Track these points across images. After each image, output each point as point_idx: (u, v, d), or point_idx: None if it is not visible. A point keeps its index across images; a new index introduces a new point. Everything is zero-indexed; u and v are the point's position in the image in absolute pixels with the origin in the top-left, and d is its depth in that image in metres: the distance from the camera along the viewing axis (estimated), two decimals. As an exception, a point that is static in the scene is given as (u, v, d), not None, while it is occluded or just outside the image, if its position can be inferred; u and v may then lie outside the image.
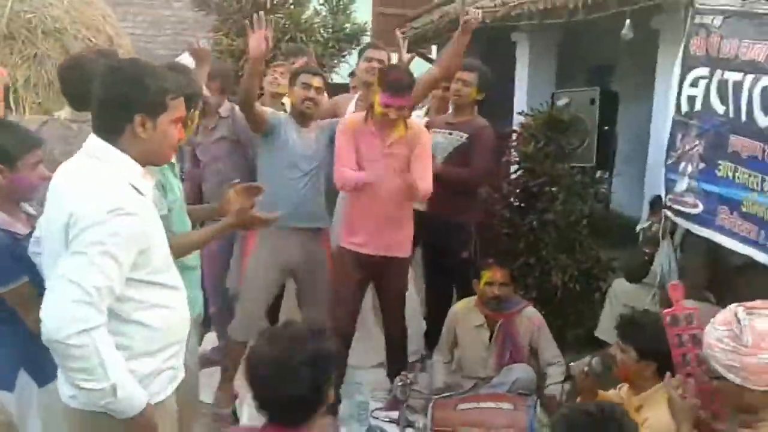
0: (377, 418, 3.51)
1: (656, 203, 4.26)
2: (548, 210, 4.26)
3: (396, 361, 3.69)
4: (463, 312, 3.67)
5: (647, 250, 3.94)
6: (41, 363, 2.08)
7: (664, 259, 3.57)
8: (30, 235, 2.17)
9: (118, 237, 1.68)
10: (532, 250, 4.22)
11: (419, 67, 11.20)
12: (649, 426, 2.22)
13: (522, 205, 4.45)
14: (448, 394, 3.49)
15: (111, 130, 1.78)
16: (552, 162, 4.36)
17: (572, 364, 2.93)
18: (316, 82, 3.55)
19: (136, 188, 1.79)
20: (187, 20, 10.67)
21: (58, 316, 1.64)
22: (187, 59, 3.76)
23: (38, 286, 1.98)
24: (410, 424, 3.34)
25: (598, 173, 5.01)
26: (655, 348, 2.37)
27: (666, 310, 2.32)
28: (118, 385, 1.68)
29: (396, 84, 3.32)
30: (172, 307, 1.89)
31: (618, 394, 2.57)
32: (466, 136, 3.95)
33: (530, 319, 3.58)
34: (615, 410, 1.71)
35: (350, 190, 3.50)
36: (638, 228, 4.23)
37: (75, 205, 1.68)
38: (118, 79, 1.77)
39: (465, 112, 4.05)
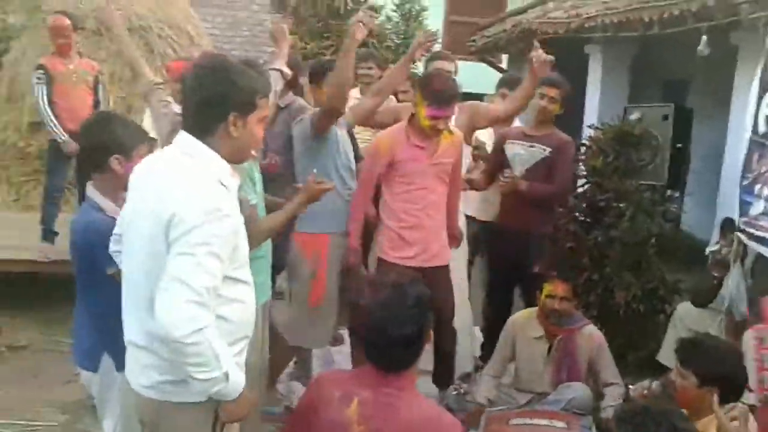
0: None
1: (727, 225, 4.14)
2: (614, 226, 4.18)
3: (445, 370, 3.62)
4: (523, 322, 3.63)
5: (716, 274, 3.83)
6: (124, 348, 2.18)
7: (734, 284, 3.47)
8: None
9: (220, 237, 1.73)
10: (596, 267, 4.16)
11: (486, 75, 11.20)
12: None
13: (588, 220, 4.39)
14: (503, 407, 3.47)
15: (204, 128, 1.82)
16: (620, 177, 4.28)
17: (631, 386, 2.87)
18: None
19: (224, 185, 1.82)
20: (264, 22, 10.93)
21: (174, 317, 1.69)
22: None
23: None
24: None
25: (669, 192, 4.88)
26: (717, 373, 2.29)
27: (754, 327, 2.24)
28: (229, 371, 1.77)
29: (442, 95, 3.17)
30: (246, 302, 1.94)
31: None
32: (549, 150, 3.90)
33: (590, 337, 3.52)
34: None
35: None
36: (708, 251, 4.12)
37: (177, 205, 1.72)
38: (216, 79, 1.81)
39: (546, 125, 4.00)
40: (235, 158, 1.89)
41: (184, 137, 1.84)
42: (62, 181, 4.97)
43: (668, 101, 6.03)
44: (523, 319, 3.65)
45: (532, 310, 3.64)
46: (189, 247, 1.71)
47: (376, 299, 1.84)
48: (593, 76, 6.77)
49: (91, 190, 2.31)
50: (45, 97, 4.73)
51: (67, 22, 4.95)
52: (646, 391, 2.46)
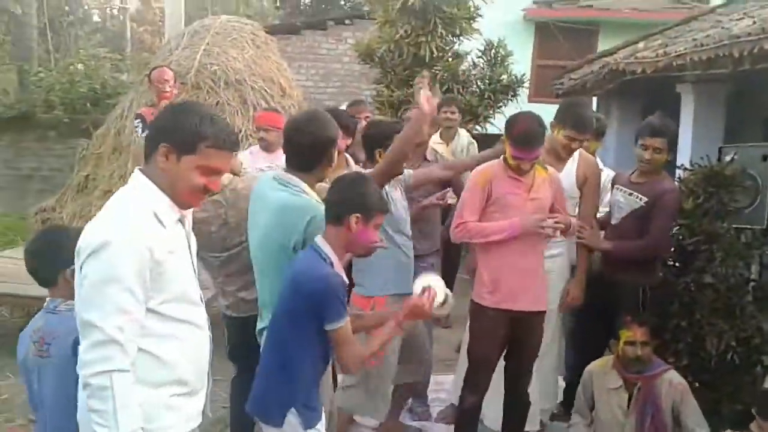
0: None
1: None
2: (705, 270, 3.98)
3: (519, 422, 3.53)
4: (600, 372, 3.50)
5: (817, 323, 3.55)
6: (311, 407, 2.32)
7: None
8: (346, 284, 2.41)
9: (126, 268, 1.73)
10: (686, 313, 3.96)
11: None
12: None
13: (677, 264, 4.20)
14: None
15: (146, 156, 1.91)
16: (711, 220, 4.09)
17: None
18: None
19: (158, 218, 1.84)
20: (354, 73, 11.34)
21: (84, 357, 1.72)
22: None
23: None
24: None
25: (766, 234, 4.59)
26: None
27: None
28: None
29: (525, 138, 3.18)
30: (184, 340, 1.89)
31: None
32: (645, 200, 3.75)
33: (672, 383, 3.34)
34: None
35: (481, 242, 3.33)
36: (808, 298, 3.83)
37: (86, 234, 1.82)
38: (173, 114, 1.91)
39: (652, 173, 3.84)
40: (174, 196, 1.89)
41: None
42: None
43: (769, 141, 5.73)
44: (599, 370, 3.52)
45: (608, 359, 3.52)
46: (91, 281, 1.72)
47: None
48: (685, 115, 6.52)
49: (321, 241, 2.38)
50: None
51: (170, 73, 5.32)
52: None
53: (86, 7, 22.71)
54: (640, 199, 3.77)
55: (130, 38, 20.92)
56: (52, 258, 2.25)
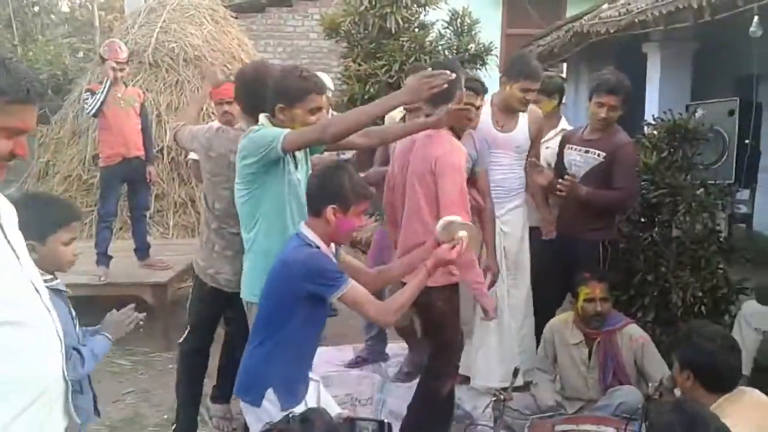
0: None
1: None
2: (670, 224, 3.93)
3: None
4: (561, 328, 3.46)
5: (782, 269, 3.52)
6: (291, 388, 2.28)
7: (802, 278, 3.17)
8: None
9: None
10: (651, 267, 3.91)
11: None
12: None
13: (642, 219, 4.15)
14: (548, 414, 3.29)
15: None
16: (674, 173, 4.03)
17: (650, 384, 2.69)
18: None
19: None
20: (322, 49, 11.16)
21: None
22: (325, 78, 3.77)
23: None
24: (505, 443, 3.18)
25: (732, 186, 4.56)
26: (689, 357, 2.24)
27: None
28: None
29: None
30: (13, 350, 1.51)
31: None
32: (603, 155, 3.69)
33: (632, 337, 3.30)
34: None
35: None
36: (772, 244, 3.80)
37: None
38: None
39: (605, 129, 3.77)
40: None
41: None
42: (114, 206, 5.14)
43: (737, 98, 5.67)
44: (559, 326, 3.48)
45: (568, 315, 3.48)
46: None
47: None
48: (652, 75, 6.50)
49: (306, 229, 2.37)
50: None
51: (121, 46, 5.11)
52: (656, 385, 2.32)
53: (54, -3, 22.26)
54: (598, 155, 3.71)
55: (99, 26, 20.57)
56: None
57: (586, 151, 3.76)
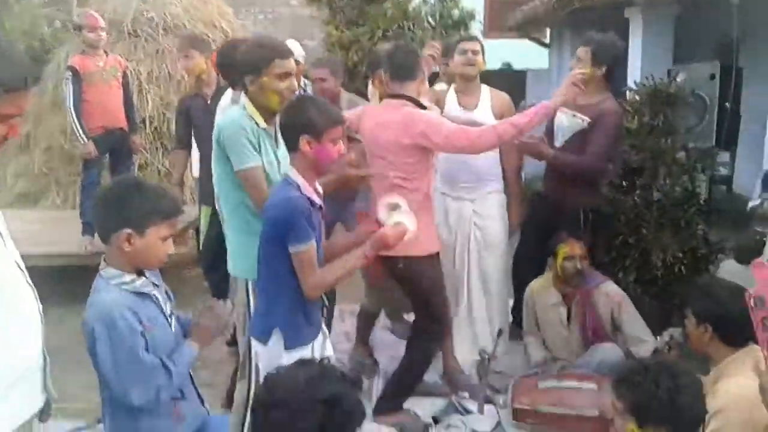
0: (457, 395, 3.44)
1: (770, 179, 3.90)
2: (650, 187, 3.99)
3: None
4: (540, 290, 3.53)
5: (759, 229, 3.60)
6: (295, 328, 2.31)
7: (778, 237, 3.25)
8: (321, 207, 2.35)
9: None
10: (632, 229, 3.97)
11: (531, 51, 10.93)
12: (715, 396, 2.03)
13: (624, 183, 4.20)
14: (532, 372, 3.37)
15: None
16: (656, 137, 4.08)
17: (657, 338, 2.74)
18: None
19: None
20: (303, 16, 11.04)
21: None
22: (293, 44, 3.81)
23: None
24: (490, 401, 3.25)
25: (713, 149, 4.63)
26: (707, 310, 2.21)
27: (749, 291, 1.98)
28: None
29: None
30: None
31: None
32: (588, 120, 3.68)
33: (608, 294, 3.37)
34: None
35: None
36: (749, 205, 3.87)
37: None
38: None
39: (591, 92, 3.67)
40: None
41: None
42: (98, 175, 5.12)
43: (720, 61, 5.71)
44: (538, 288, 3.56)
45: (548, 276, 3.54)
46: None
47: None
48: (634, 39, 6.49)
49: (290, 168, 2.37)
50: (72, 98, 4.86)
51: (98, 17, 5.07)
52: (667, 338, 2.34)
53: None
54: (583, 120, 3.72)
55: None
56: (106, 215, 1.96)
57: (573, 115, 3.75)
